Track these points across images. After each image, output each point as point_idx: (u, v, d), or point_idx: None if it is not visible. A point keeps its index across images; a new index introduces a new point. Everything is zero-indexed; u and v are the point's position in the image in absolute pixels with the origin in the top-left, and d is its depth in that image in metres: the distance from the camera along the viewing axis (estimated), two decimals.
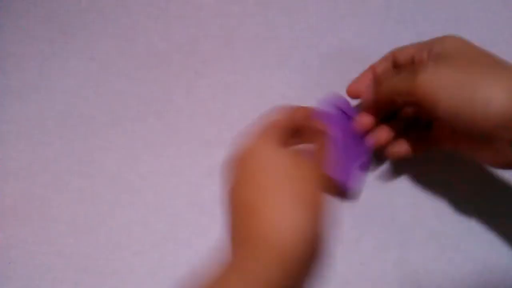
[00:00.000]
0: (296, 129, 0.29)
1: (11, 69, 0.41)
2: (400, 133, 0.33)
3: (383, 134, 0.33)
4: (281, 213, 0.23)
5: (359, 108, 0.35)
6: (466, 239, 0.35)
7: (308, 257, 0.23)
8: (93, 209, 0.37)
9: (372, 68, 0.34)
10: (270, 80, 0.40)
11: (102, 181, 0.38)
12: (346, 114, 0.35)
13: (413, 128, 0.33)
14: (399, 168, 0.37)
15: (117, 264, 0.36)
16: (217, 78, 0.40)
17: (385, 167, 0.37)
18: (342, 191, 0.35)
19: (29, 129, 0.40)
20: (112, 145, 0.39)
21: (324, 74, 0.40)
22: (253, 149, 0.26)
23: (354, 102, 0.36)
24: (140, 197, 0.37)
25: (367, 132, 0.34)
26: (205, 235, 0.34)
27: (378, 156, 0.36)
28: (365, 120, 0.33)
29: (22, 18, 0.43)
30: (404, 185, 0.36)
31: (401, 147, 0.33)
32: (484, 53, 0.28)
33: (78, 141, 0.39)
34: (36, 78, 0.41)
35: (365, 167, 0.35)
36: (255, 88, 0.40)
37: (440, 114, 0.27)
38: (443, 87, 0.26)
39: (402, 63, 0.32)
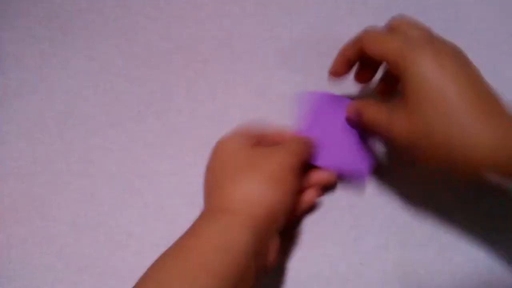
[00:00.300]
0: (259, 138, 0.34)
1: (11, 69, 0.41)
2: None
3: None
4: (242, 187, 0.29)
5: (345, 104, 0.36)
6: (466, 239, 0.35)
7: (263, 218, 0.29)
8: (93, 209, 0.37)
9: (343, 52, 0.33)
10: (270, 80, 0.40)
11: (102, 181, 0.38)
12: (331, 106, 0.36)
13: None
14: (399, 168, 0.37)
15: (117, 264, 0.36)
16: (217, 78, 0.40)
17: (384, 168, 0.37)
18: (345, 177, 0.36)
19: (29, 129, 0.40)
20: (112, 145, 0.39)
21: (324, 74, 0.40)
22: (227, 143, 0.33)
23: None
24: (140, 197, 0.37)
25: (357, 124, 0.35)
26: None
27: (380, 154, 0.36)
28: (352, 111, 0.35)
29: (22, 18, 0.43)
30: (404, 186, 0.36)
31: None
32: (464, 94, 0.26)
33: (78, 141, 0.39)
34: (36, 78, 0.41)
35: (362, 157, 0.36)
36: (255, 88, 0.40)
37: (416, 158, 0.28)
38: (419, 138, 0.27)
39: (370, 59, 0.31)
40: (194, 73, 0.41)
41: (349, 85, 0.38)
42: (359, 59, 0.33)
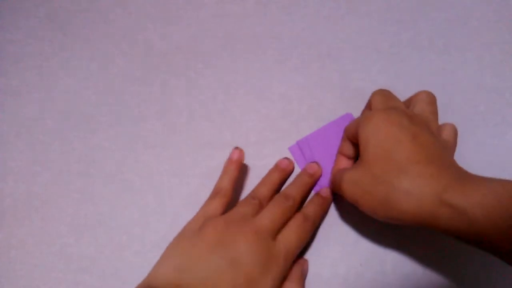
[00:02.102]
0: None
1: (11, 69, 0.41)
2: None
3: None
4: None
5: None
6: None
7: None
8: (93, 209, 0.37)
9: (339, 153, 0.36)
10: (270, 80, 0.40)
11: (102, 181, 0.38)
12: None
13: None
14: None
15: (117, 264, 0.36)
16: (217, 78, 0.40)
17: None
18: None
19: (29, 129, 0.40)
20: (112, 145, 0.39)
21: (324, 74, 0.40)
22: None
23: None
24: (140, 197, 0.37)
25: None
26: None
27: None
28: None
29: (22, 18, 0.43)
30: None
31: None
32: (397, 147, 0.28)
33: (78, 141, 0.39)
34: (36, 78, 0.41)
35: None
36: (255, 88, 0.40)
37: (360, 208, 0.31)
38: (359, 194, 0.30)
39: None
40: (194, 73, 0.41)
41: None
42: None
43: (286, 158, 0.37)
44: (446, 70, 0.39)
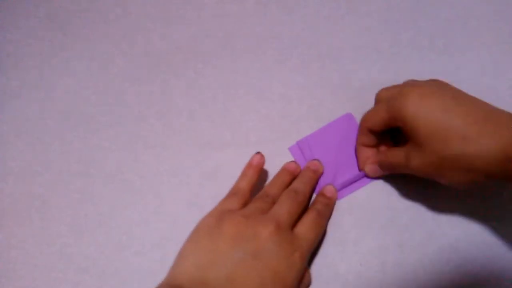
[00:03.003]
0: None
1: (11, 69, 0.41)
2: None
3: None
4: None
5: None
6: (464, 240, 0.35)
7: None
8: (93, 209, 0.37)
9: (361, 145, 0.36)
10: (270, 80, 0.40)
11: (102, 181, 0.38)
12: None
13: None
14: None
15: (118, 264, 0.36)
16: (217, 78, 0.40)
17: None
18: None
19: (29, 129, 0.40)
20: (112, 145, 0.39)
21: (324, 74, 0.40)
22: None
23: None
24: (140, 197, 0.37)
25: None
26: None
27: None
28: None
29: (22, 18, 0.43)
30: (403, 188, 0.36)
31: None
32: (456, 117, 0.29)
33: (78, 141, 0.39)
34: (36, 78, 0.41)
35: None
36: (255, 88, 0.40)
37: (438, 181, 0.31)
38: (436, 168, 0.30)
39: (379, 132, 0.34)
40: (194, 73, 0.40)
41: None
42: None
43: (293, 161, 0.37)
44: (446, 70, 0.39)
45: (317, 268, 0.35)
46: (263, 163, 0.35)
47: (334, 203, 0.36)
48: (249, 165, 0.35)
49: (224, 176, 0.37)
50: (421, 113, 0.29)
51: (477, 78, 0.39)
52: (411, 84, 0.32)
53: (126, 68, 0.41)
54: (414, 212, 0.36)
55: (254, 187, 0.35)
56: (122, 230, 0.37)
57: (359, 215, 0.36)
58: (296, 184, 0.34)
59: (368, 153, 0.35)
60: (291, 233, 0.30)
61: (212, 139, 0.39)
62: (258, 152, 0.36)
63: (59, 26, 0.43)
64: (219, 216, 0.30)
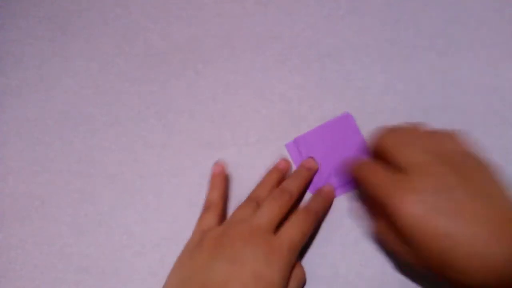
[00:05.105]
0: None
1: (11, 69, 0.41)
2: None
3: None
4: None
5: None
6: None
7: None
8: (93, 209, 0.37)
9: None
10: (270, 80, 0.40)
11: (102, 181, 0.38)
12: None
13: None
14: None
15: (118, 264, 0.36)
16: (217, 78, 0.40)
17: None
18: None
19: (29, 129, 0.40)
20: (112, 145, 0.39)
21: (324, 74, 0.40)
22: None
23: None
24: (140, 197, 0.37)
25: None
26: None
27: None
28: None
29: (22, 18, 0.43)
30: None
31: None
32: (455, 226, 0.25)
33: (78, 141, 0.39)
34: (36, 78, 0.41)
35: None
36: (255, 88, 0.40)
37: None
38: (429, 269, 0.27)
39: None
40: (194, 73, 0.41)
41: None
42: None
43: (283, 159, 0.37)
44: (446, 70, 0.39)
45: (317, 268, 0.35)
46: (224, 169, 0.36)
47: (331, 200, 0.36)
48: (213, 176, 0.36)
49: None
50: (423, 233, 0.26)
51: (477, 78, 0.39)
52: (411, 189, 0.27)
53: (126, 68, 0.41)
54: None
55: (225, 195, 0.35)
56: (122, 230, 0.37)
57: (359, 215, 0.36)
58: (285, 183, 0.34)
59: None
60: (270, 234, 0.30)
61: (212, 139, 0.39)
62: (216, 162, 0.36)
63: (59, 26, 0.43)
64: (199, 238, 0.31)
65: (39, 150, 0.39)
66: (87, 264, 0.36)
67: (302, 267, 0.33)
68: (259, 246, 0.29)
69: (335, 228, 0.36)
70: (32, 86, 0.41)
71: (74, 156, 0.39)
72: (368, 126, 0.37)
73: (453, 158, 0.28)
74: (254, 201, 0.33)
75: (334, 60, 0.40)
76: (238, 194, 0.37)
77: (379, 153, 0.31)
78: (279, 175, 0.36)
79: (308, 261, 0.35)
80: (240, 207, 0.33)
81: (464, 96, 0.38)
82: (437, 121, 0.36)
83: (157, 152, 0.39)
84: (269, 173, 0.36)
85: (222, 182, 0.35)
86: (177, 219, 0.37)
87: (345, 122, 0.38)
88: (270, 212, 0.31)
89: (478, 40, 0.40)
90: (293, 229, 0.31)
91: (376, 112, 0.38)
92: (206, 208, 0.34)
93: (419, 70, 0.39)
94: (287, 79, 0.40)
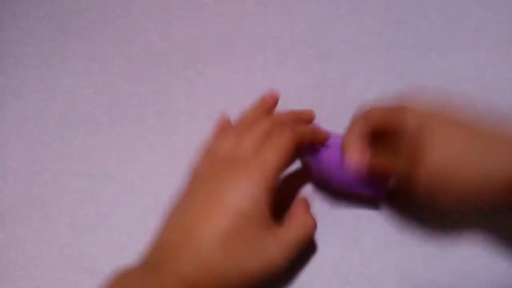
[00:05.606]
0: None
1: (11, 69, 0.41)
2: None
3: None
4: None
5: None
6: (466, 239, 0.35)
7: None
8: (93, 209, 0.37)
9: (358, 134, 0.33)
10: (270, 80, 0.40)
11: (102, 181, 0.38)
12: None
13: None
14: None
15: (118, 264, 0.36)
16: (217, 78, 0.40)
17: None
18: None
19: (29, 129, 0.40)
20: (112, 145, 0.39)
21: (324, 74, 0.40)
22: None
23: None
24: (140, 197, 0.37)
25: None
26: None
27: None
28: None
29: (22, 18, 0.43)
30: None
31: None
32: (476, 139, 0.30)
33: (78, 141, 0.39)
34: (36, 78, 0.41)
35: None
36: (255, 88, 0.40)
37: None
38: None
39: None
40: (194, 73, 0.41)
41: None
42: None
43: (270, 91, 0.36)
44: (446, 70, 0.39)
45: (317, 268, 0.35)
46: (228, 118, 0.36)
47: (321, 137, 0.34)
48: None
49: None
50: (445, 145, 0.29)
51: (477, 78, 0.39)
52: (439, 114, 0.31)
53: (126, 68, 0.41)
54: (414, 212, 0.36)
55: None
56: (122, 230, 0.37)
57: (359, 215, 0.36)
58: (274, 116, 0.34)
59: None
60: (244, 162, 0.30)
61: None
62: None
63: (59, 26, 0.43)
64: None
65: (39, 150, 0.39)
66: (87, 264, 0.36)
67: (311, 216, 0.32)
68: (238, 171, 0.30)
69: (335, 228, 0.36)
70: (32, 86, 0.41)
71: (74, 156, 0.39)
72: None
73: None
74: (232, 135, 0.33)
75: (334, 60, 0.40)
76: None
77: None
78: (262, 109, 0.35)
79: (308, 261, 0.35)
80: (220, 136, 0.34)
81: (464, 96, 0.38)
82: None
83: (157, 152, 0.39)
84: (252, 106, 0.35)
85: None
86: None
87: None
88: (251, 140, 0.31)
89: (478, 40, 0.40)
90: (267, 152, 0.30)
91: None
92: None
93: (419, 70, 0.39)
94: (287, 79, 0.40)
